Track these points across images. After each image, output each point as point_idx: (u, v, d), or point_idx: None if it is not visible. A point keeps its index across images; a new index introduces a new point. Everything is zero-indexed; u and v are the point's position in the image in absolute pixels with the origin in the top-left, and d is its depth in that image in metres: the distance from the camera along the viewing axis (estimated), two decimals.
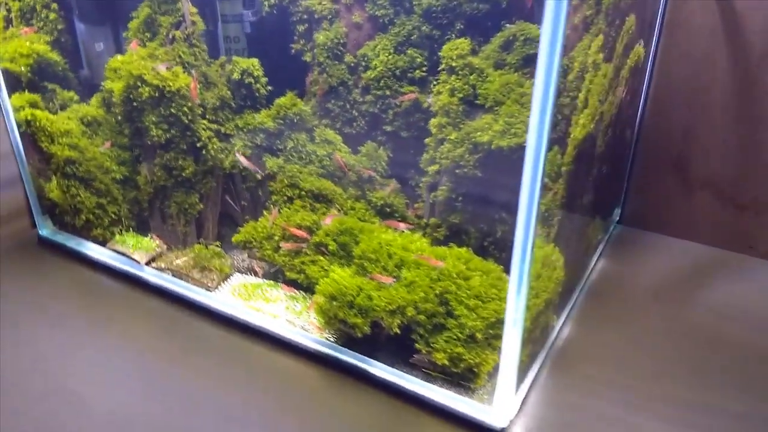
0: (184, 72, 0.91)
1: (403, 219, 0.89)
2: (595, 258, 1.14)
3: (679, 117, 1.14)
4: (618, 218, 1.28)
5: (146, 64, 0.90)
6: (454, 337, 0.78)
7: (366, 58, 0.91)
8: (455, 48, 0.82)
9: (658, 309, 1.02)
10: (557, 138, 0.76)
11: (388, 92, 0.90)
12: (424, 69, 0.88)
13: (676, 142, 1.16)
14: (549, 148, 0.61)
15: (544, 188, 0.91)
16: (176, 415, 0.81)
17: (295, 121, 0.89)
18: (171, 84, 0.90)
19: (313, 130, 0.90)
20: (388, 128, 0.92)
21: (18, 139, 1.15)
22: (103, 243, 1.14)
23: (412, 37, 0.96)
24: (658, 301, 1.04)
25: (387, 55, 0.90)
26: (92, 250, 1.15)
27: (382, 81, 0.90)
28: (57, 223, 1.21)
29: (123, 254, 1.10)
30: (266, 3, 0.90)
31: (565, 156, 0.85)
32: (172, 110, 0.92)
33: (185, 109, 0.91)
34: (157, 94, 0.92)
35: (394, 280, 0.80)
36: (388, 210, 0.89)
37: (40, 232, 1.24)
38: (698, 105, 1.11)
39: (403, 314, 0.81)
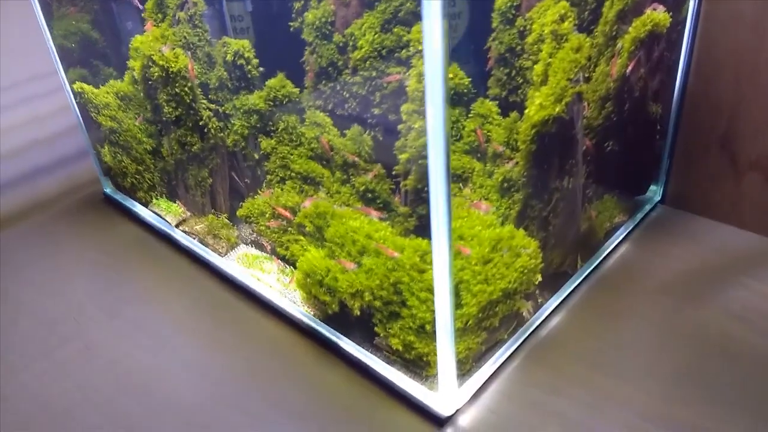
0: (184, 53, 0.97)
1: (386, 206, 0.91)
2: (615, 242, 1.08)
3: (725, 90, 1.02)
4: (660, 198, 1.18)
5: (155, 45, 0.97)
6: (407, 325, 0.81)
7: (353, 38, 0.91)
8: None
9: (669, 304, 0.96)
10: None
11: (374, 73, 0.90)
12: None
13: (723, 117, 1.04)
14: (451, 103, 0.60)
15: (498, 156, 0.88)
16: (160, 362, 0.93)
17: (284, 102, 0.93)
18: (173, 65, 0.97)
19: (303, 111, 0.93)
20: (376, 111, 0.92)
21: (76, 108, 1.30)
22: (145, 204, 1.28)
23: (399, 14, 0.94)
24: (671, 295, 0.98)
25: (373, 34, 0.90)
26: (139, 208, 1.30)
27: (369, 61, 0.90)
28: (114, 183, 1.37)
29: (159, 216, 1.23)
30: None
31: (520, 134, 0.82)
32: (177, 90, 0.99)
33: (186, 89, 0.98)
34: (164, 74, 0.99)
35: (356, 265, 0.84)
36: (370, 196, 0.91)
37: (104, 190, 1.41)
38: (747, 76, 0.98)
39: (362, 298, 0.84)
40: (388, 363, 0.86)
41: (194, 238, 1.16)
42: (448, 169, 0.61)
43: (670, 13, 0.94)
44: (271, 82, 0.92)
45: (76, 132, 1.36)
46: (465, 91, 1.00)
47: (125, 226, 1.31)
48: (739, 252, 1.06)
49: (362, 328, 0.89)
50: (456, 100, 1.00)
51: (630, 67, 0.88)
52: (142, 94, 1.09)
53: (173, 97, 1.02)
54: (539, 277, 0.89)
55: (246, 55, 0.93)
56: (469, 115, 1.00)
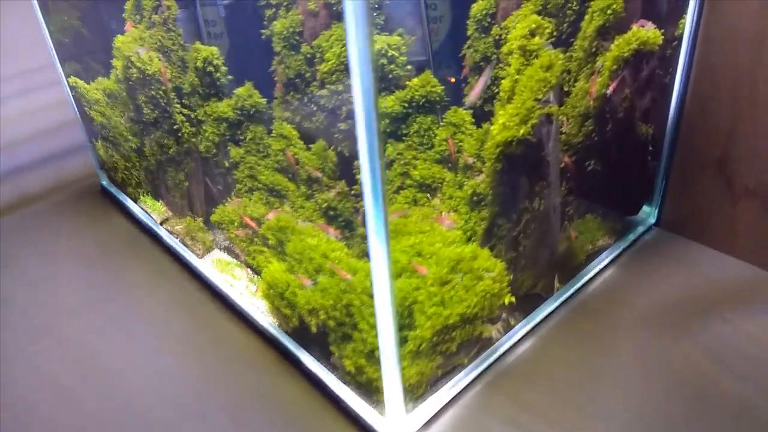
0: (158, 57, 0.97)
1: (348, 225, 0.90)
2: (600, 265, 1.05)
3: (722, 111, 0.96)
4: (656, 221, 1.13)
5: (133, 46, 0.98)
6: (359, 348, 0.79)
7: (321, 49, 0.89)
8: None
9: (648, 336, 0.93)
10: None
11: (341, 87, 0.88)
12: None
13: (720, 140, 0.99)
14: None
15: (469, 168, 0.85)
16: (127, 362, 0.94)
17: (251, 112, 0.92)
18: (149, 67, 0.97)
19: (271, 122, 0.92)
20: (343, 126, 0.91)
21: (72, 102, 1.32)
22: (135, 200, 1.29)
23: None
24: (651, 327, 0.94)
25: (341, 46, 0.88)
26: (130, 203, 1.31)
27: (335, 75, 0.89)
28: (108, 177, 1.39)
29: (146, 212, 1.24)
30: None
31: (485, 151, 0.79)
32: (153, 92, 0.99)
33: (161, 92, 0.98)
34: (141, 76, 1.00)
35: (312, 283, 0.83)
36: (332, 213, 0.90)
37: (101, 182, 1.43)
38: (745, 98, 0.93)
39: (318, 316, 0.83)
40: (343, 382, 0.85)
41: (176, 238, 1.17)
42: (383, 182, 0.59)
43: (662, 30, 0.89)
44: (239, 90, 0.91)
45: (77, 124, 1.39)
46: (437, 98, 0.98)
47: (117, 220, 1.33)
48: (730, 283, 1.01)
49: (321, 344, 0.88)
50: (428, 107, 0.98)
51: (612, 87, 0.84)
52: (124, 94, 1.10)
53: (150, 99, 1.02)
54: (508, 300, 0.87)
55: (215, 62, 0.92)
56: (442, 124, 0.97)
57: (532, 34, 0.79)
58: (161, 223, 1.21)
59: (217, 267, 1.07)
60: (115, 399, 0.90)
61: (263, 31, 0.93)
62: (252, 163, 0.93)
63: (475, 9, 0.96)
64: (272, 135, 0.91)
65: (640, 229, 1.12)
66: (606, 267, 1.06)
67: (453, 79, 0.90)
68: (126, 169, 1.26)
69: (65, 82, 1.30)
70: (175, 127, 1.01)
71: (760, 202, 0.98)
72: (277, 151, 0.91)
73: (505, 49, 0.85)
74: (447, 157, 0.97)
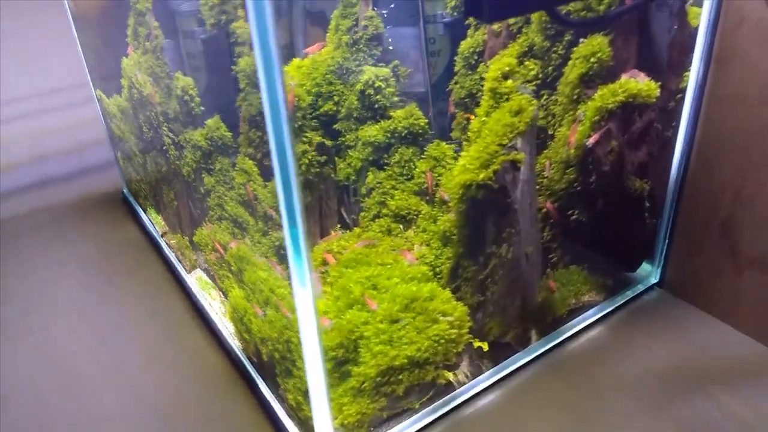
0: (150, 81, 1.02)
1: None
2: (586, 321, 1.00)
3: (728, 173, 0.91)
4: (658, 281, 1.08)
5: (133, 69, 1.04)
6: (297, 385, 0.79)
7: None
8: None
9: (623, 408, 0.88)
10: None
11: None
12: None
13: (724, 203, 0.93)
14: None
15: (444, 203, 0.83)
16: (99, 367, 0.98)
17: (219, 144, 0.95)
18: (144, 90, 1.02)
19: (234, 155, 0.95)
20: None
21: (100, 113, 1.41)
22: (144, 210, 1.35)
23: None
24: (629, 397, 0.89)
25: None
26: (142, 213, 1.37)
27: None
28: (127, 186, 1.46)
29: (152, 223, 1.30)
30: (208, 23, 0.95)
31: (451, 189, 0.78)
32: (147, 113, 1.05)
33: (153, 114, 1.03)
34: (139, 97, 1.05)
35: (263, 313, 0.83)
36: (282, 252, 0.91)
37: (123, 190, 1.51)
38: (751, 159, 0.88)
39: (267, 346, 0.84)
40: (288, 415, 0.85)
41: (172, 251, 1.21)
42: (305, 235, 0.59)
43: (660, 83, 0.86)
44: (209, 121, 0.94)
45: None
46: (420, 131, 0.98)
47: (128, 227, 1.40)
48: (727, 358, 0.94)
49: (272, 374, 0.88)
50: (410, 139, 0.98)
51: (593, 139, 0.82)
52: (131, 111, 1.16)
53: (146, 119, 1.07)
54: (477, 344, 0.84)
55: (190, 92, 0.96)
56: (423, 156, 0.97)
57: (505, 76, 0.78)
58: (162, 235, 1.26)
59: (199, 284, 1.10)
60: (77, 400, 0.93)
61: (233, 67, 0.97)
62: (220, 193, 0.96)
63: (464, 46, 0.96)
64: (236, 168, 0.93)
65: (640, 287, 1.07)
66: (592, 324, 1.01)
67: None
68: (137, 181, 1.32)
69: (94, 95, 1.39)
70: (164, 148, 1.06)
71: (765, 274, 0.91)
72: (239, 185, 0.93)
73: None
74: (425, 189, 0.96)
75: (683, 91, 0.91)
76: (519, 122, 0.76)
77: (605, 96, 0.80)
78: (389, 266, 0.86)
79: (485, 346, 0.91)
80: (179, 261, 1.18)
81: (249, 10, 0.48)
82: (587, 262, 0.99)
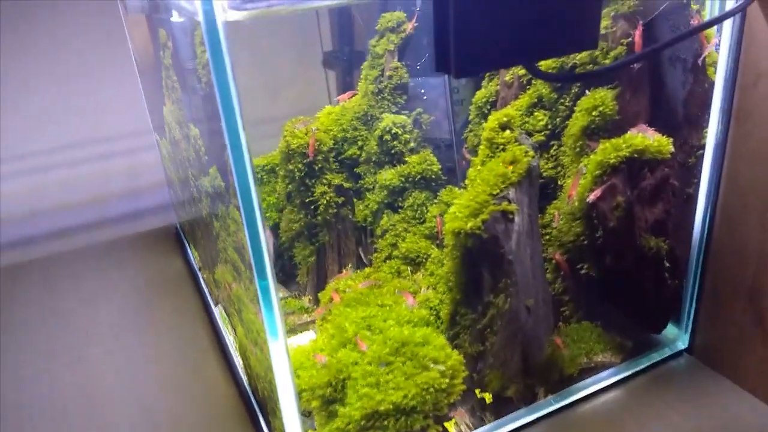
0: (177, 129, 1.09)
1: None
2: (601, 383, 0.97)
3: (752, 236, 0.88)
4: (687, 346, 1.03)
5: (168, 116, 1.13)
6: (279, 426, 0.82)
7: None
8: None
9: None
10: None
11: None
12: None
13: (750, 267, 0.89)
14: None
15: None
16: (117, 392, 1.05)
17: (218, 192, 1.00)
18: (175, 136, 1.10)
19: (228, 204, 1.00)
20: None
21: (160, 154, 1.54)
22: (189, 244, 1.45)
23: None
24: None
25: None
26: (188, 247, 1.48)
27: None
28: (179, 222, 1.58)
29: (193, 256, 1.39)
30: (203, 81, 1.03)
31: (445, 235, 0.80)
32: (179, 157, 1.12)
33: (182, 158, 1.10)
34: (173, 142, 1.14)
35: (256, 351, 0.87)
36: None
37: (177, 226, 1.63)
38: None
39: (259, 382, 0.87)
40: None
41: (205, 284, 1.29)
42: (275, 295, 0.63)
43: (677, 139, 0.85)
44: (211, 170, 1.00)
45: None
46: (432, 176, 1.01)
47: (176, 260, 1.50)
48: None
49: (266, 410, 0.91)
50: (423, 184, 1.01)
51: (594, 195, 0.81)
52: (172, 154, 1.26)
53: (180, 162, 1.17)
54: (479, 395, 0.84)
55: (198, 141, 1.01)
56: (435, 201, 1.00)
57: (502, 127, 0.80)
58: (199, 269, 1.34)
59: (221, 318, 1.16)
60: (93, 417, 1.01)
61: None
62: (223, 237, 1.02)
63: (478, 96, 1.00)
64: (230, 217, 0.99)
65: (667, 351, 1.02)
66: (609, 387, 0.97)
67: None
68: (182, 217, 1.43)
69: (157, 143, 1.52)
70: (191, 189, 1.14)
71: None
72: (233, 232, 0.98)
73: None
74: (435, 234, 0.99)
75: (703, 147, 0.89)
76: (512, 173, 0.77)
77: (607, 150, 0.80)
78: (387, 308, 0.88)
79: (488, 398, 0.90)
80: (210, 294, 1.26)
81: (212, 73, 0.54)
82: (602, 320, 0.96)
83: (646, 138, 0.82)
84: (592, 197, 0.81)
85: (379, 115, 1.10)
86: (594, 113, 0.82)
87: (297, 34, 1.40)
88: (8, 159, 1.69)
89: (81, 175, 1.80)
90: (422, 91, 1.16)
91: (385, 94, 1.12)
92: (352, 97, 1.18)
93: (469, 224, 0.76)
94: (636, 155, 0.81)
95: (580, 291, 0.95)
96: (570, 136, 0.85)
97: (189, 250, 1.46)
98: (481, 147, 0.83)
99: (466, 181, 0.83)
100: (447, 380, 0.83)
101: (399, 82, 1.12)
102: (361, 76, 1.18)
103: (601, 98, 0.82)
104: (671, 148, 0.84)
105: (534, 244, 0.86)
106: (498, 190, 0.77)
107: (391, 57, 1.12)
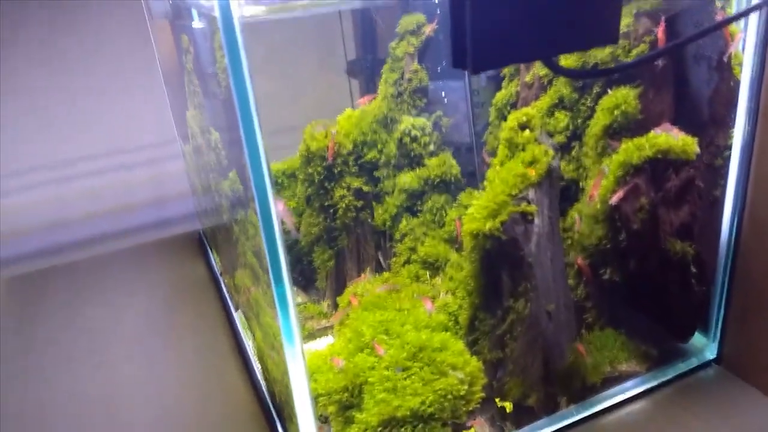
0: (198, 134, 1.10)
1: None
2: (627, 393, 0.94)
3: None
4: (716, 356, 1.00)
5: (191, 121, 1.14)
6: None
7: None
8: None
9: None
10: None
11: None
12: None
13: None
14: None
15: None
16: (133, 397, 1.05)
17: (238, 196, 1.00)
18: (197, 140, 1.11)
19: (247, 208, 1.00)
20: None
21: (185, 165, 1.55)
22: (211, 249, 1.46)
23: None
24: None
25: None
26: (210, 252, 1.48)
27: None
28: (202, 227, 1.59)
29: (215, 261, 1.40)
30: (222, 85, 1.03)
31: (463, 238, 0.78)
32: (200, 162, 1.13)
33: (203, 163, 1.11)
34: (195, 147, 1.15)
35: (273, 356, 0.87)
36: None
37: (200, 231, 1.64)
38: None
39: (277, 388, 0.86)
40: None
41: (226, 289, 1.29)
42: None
43: (702, 139, 0.82)
44: (230, 174, 1.00)
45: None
46: (452, 179, 0.99)
47: (199, 265, 1.51)
48: None
49: (283, 416, 0.90)
50: (442, 187, 1.00)
51: (617, 196, 0.79)
52: (194, 159, 1.27)
53: (201, 167, 1.17)
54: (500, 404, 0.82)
55: (219, 145, 1.01)
56: (454, 204, 0.98)
57: (522, 127, 0.79)
58: (220, 274, 1.35)
59: (241, 322, 1.16)
60: (112, 419, 1.01)
61: None
62: (243, 241, 1.01)
63: (498, 97, 0.98)
64: (249, 221, 0.98)
65: (694, 362, 0.99)
66: (634, 398, 0.94)
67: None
68: (205, 223, 1.43)
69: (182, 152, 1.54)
70: (212, 194, 1.14)
71: None
72: (252, 236, 0.98)
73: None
74: (455, 237, 0.97)
75: (731, 147, 0.86)
76: (532, 173, 0.76)
77: (629, 150, 0.78)
78: (405, 312, 0.87)
79: (509, 407, 0.88)
80: (230, 299, 1.26)
81: (229, 73, 0.53)
82: (626, 327, 0.94)
83: (670, 137, 0.79)
84: (614, 199, 0.79)
85: (398, 118, 1.09)
86: (616, 112, 0.80)
87: (319, 38, 1.40)
88: (37, 168, 1.73)
89: (106, 184, 1.83)
90: (443, 94, 1.15)
91: (405, 97, 1.11)
92: (372, 100, 1.18)
93: (488, 225, 0.75)
94: (660, 155, 0.79)
95: (603, 297, 0.93)
96: (591, 136, 0.83)
97: (211, 256, 1.47)
98: (500, 147, 0.81)
99: (485, 183, 0.81)
100: (465, 387, 0.81)
101: (419, 85, 1.11)
102: (381, 80, 1.17)
103: (623, 97, 0.80)
104: (696, 149, 0.82)
105: (555, 248, 0.84)
106: (517, 191, 0.76)
107: (411, 60, 1.11)
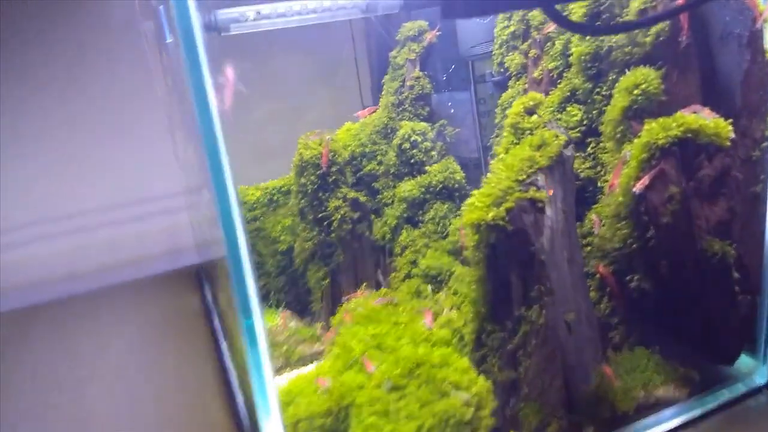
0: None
1: None
2: (666, 425, 0.80)
3: None
4: (766, 382, 0.86)
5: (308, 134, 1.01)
6: None
7: None
8: None
9: None
10: None
11: None
12: None
13: None
14: None
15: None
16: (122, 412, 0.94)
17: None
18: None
19: None
20: None
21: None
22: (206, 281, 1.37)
23: None
24: None
25: None
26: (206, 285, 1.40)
27: None
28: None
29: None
30: None
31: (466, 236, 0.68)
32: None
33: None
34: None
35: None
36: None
37: (199, 266, 1.55)
38: None
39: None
40: None
41: (218, 321, 1.20)
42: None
43: (736, 128, 0.72)
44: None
45: None
46: (455, 185, 0.90)
47: (194, 298, 1.41)
48: None
49: None
50: (445, 194, 0.90)
51: (643, 182, 0.69)
52: None
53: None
54: None
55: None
56: (458, 213, 0.88)
57: (529, 111, 0.70)
58: (213, 307, 1.25)
59: (229, 355, 1.05)
60: None
61: None
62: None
63: (504, 97, 0.90)
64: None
65: (741, 388, 0.85)
66: (676, 430, 0.81)
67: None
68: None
69: None
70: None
71: None
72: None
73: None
74: (459, 248, 0.87)
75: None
76: (540, 156, 0.66)
77: (654, 131, 0.68)
78: (402, 326, 0.76)
79: None
80: (220, 332, 1.16)
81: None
82: (660, 345, 0.81)
83: (701, 118, 0.70)
84: (639, 186, 0.68)
85: (399, 127, 1.02)
86: (636, 92, 0.71)
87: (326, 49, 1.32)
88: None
89: (119, 236, 1.73)
90: (449, 104, 1.08)
91: (406, 106, 1.04)
92: (372, 112, 1.10)
93: (491, 214, 0.65)
94: (690, 135, 0.69)
95: (631, 311, 0.81)
96: (609, 122, 0.74)
97: (206, 289, 1.38)
98: (505, 134, 0.72)
99: (488, 175, 0.72)
100: (471, 410, 0.69)
101: (421, 92, 1.04)
102: (383, 91, 1.10)
103: (644, 75, 0.71)
104: (731, 134, 0.72)
105: (572, 248, 0.73)
106: (524, 176, 0.66)
107: (412, 66, 1.05)
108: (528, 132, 0.70)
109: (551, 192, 0.65)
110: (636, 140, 0.71)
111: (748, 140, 0.79)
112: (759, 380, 0.86)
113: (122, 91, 1.53)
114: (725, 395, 0.84)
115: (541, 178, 0.66)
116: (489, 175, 0.69)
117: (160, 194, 1.66)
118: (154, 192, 1.65)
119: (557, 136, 0.69)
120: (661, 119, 0.69)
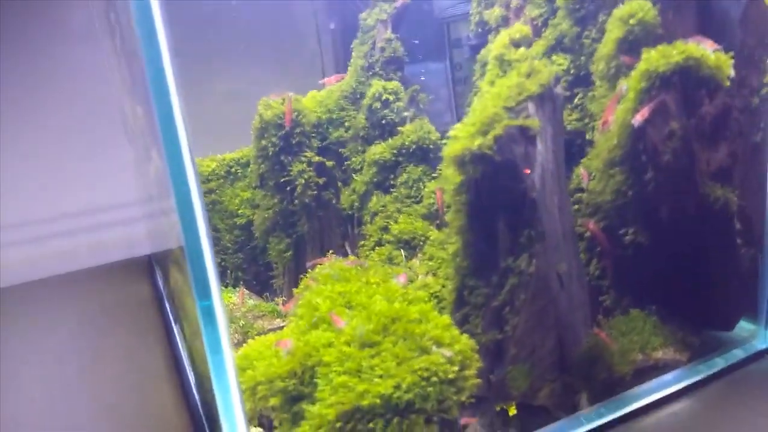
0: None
1: None
2: (664, 391, 0.73)
3: None
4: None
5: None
6: None
7: None
8: None
9: None
10: None
11: None
12: None
13: None
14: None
15: None
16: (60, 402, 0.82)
17: None
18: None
19: None
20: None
21: None
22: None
23: None
24: None
25: None
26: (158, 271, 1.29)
27: None
28: None
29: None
30: None
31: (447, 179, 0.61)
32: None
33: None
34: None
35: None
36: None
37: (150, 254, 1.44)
38: None
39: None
40: None
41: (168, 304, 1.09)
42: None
43: (734, 58, 0.67)
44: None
45: None
46: (431, 146, 0.82)
47: (143, 286, 1.30)
48: None
49: None
50: (419, 156, 0.83)
51: (643, 114, 0.63)
52: None
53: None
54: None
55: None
56: (434, 175, 0.81)
57: (516, 44, 0.63)
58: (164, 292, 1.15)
59: (179, 336, 0.95)
60: None
61: None
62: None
63: (483, 53, 0.84)
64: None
65: (739, 353, 0.79)
66: (675, 395, 0.73)
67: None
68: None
69: None
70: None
71: None
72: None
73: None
74: (434, 212, 0.79)
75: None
76: (531, 84, 0.59)
77: (653, 58, 0.62)
78: (374, 286, 0.67)
79: (512, 410, 0.67)
80: (171, 313, 1.05)
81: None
82: (657, 307, 0.74)
83: (700, 48, 0.64)
84: (638, 118, 0.62)
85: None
86: (631, 21, 0.65)
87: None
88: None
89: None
90: (422, 70, 1.02)
91: (377, 69, 0.97)
92: (340, 80, 1.03)
93: (476, 142, 0.57)
94: (692, 63, 0.63)
95: (623, 272, 0.74)
96: (601, 59, 0.68)
97: (158, 276, 1.27)
98: (489, 67, 0.66)
99: (472, 105, 0.65)
100: (455, 369, 0.60)
101: (392, 55, 0.97)
102: (352, 58, 1.03)
103: (639, 5, 0.65)
104: (731, 71, 0.66)
105: (561, 194, 0.67)
106: (513, 104, 0.59)
107: (383, 28, 0.98)
108: (514, 65, 0.64)
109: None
110: (633, 72, 0.65)
111: (746, 90, 0.74)
112: (760, 345, 0.80)
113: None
114: (725, 361, 0.78)
115: (531, 106, 0.60)
116: (473, 104, 0.62)
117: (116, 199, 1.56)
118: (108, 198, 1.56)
119: (547, 65, 0.62)
120: (660, 47, 0.64)
